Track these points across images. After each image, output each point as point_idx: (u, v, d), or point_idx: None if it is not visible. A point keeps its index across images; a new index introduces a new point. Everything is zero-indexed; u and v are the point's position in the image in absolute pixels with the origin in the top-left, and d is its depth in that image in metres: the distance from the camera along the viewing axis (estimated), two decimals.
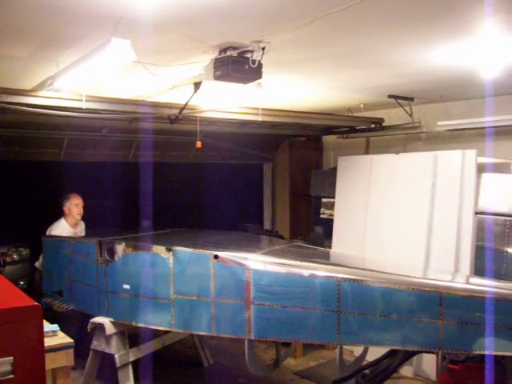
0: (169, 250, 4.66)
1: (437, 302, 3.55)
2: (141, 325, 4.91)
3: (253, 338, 4.22)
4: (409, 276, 3.85)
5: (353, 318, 3.83)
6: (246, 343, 4.41)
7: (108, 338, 5.12)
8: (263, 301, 4.14)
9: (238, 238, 5.90)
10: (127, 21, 3.24)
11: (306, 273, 4.02)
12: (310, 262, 4.30)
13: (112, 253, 5.14)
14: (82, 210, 6.37)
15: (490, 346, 3.44)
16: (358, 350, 6.52)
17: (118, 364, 5.12)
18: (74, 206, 6.31)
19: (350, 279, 3.84)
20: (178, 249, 4.63)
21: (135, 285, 4.91)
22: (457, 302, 3.53)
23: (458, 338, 3.55)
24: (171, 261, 4.63)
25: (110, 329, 5.10)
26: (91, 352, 5.30)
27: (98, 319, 5.17)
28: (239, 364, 6.46)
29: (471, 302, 3.48)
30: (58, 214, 6.31)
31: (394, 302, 3.71)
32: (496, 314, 3.39)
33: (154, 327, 4.93)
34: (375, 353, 5.92)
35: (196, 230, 6.43)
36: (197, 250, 4.56)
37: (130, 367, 5.23)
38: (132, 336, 5.42)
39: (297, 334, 4.12)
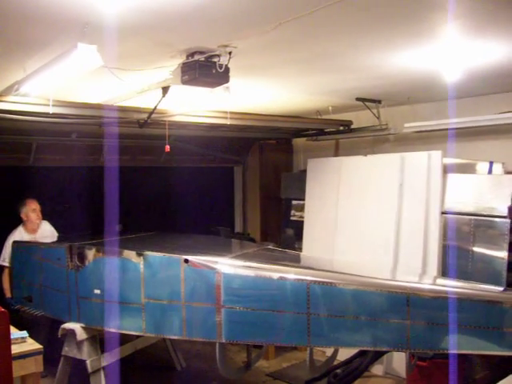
0: (139, 254, 4.65)
1: (404, 302, 3.61)
2: (112, 330, 4.89)
3: (224, 341, 4.24)
4: (377, 278, 3.91)
5: (322, 320, 3.87)
6: (218, 346, 4.43)
7: (79, 344, 5.08)
8: (233, 304, 4.16)
9: (208, 242, 5.92)
10: (93, 26, 3.24)
11: (275, 276, 4.05)
12: (279, 265, 4.34)
13: (82, 258, 5.11)
14: (40, 215, 6.29)
15: (454, 345, 3.50)
16: (329, 351, 6.59)
17: (89, 370, 5.07)
18: (32, 211, 6.22)
19: (319, 282, 3.87)
20: (149, 253, 4.62)
21: (106, 290, 4.88)
22: (423, 302, 3.59)
23: (425, 337, 3.61)
24: (142, 265, 4.62)
25: (81, 334, 5.06)
26: (62, 358, 5.25)
27: (68, 325, 5.13)
28: (212, 367, 6.46)
29: (437, 302, 3.55)
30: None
31: (362, 304, 3.76)
32: (461, 313, 3.47)
33: (126, 332, 4.90)
34: (347, 352, 6.00)
35: (166, 234, 6.42)
36: (167, 255, 4.56)
37: (102, 373, 5.20)
38: (104, 341, 5.41)
39: (267, 336, 4.16)
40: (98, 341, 5.25)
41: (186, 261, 4.39)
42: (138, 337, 6.10)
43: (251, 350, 5.25)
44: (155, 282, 4.59)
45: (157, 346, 6.37)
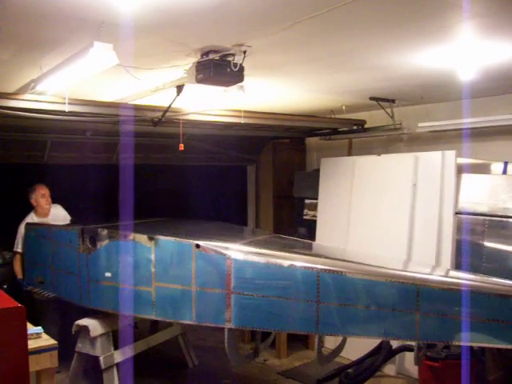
0: (151, 238, 4.67)
1: (415, 293, 3.60)
2: (122, 313, 4.92)
3: (233, 327, 4.25)
4: (388, 268, 3.90)
5: (332, 309, 3.87)
6: (226, 332, 4.42)
7: (92, 340, 5.13)
8: (244, 290, 4.16)
9: (221, 228, 5.94)
10: (109, 24, 3.27)
11: (286, 263, 4.05)
12: (290, 252, 4.35)
13: (94, 241, 5.13)
14: (49, 200, 6.35)
15: (466, 338, 3.51)
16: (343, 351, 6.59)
17: (102, 366, 5.13)
18: (41, 196, 6.28)
19: (329, 270, 3.87)
20: (160, 238, 4.64)
21: (117, 273, 4.91)
22: (434, 294, 3.59)
23: (435, 328, 3.61)
24: (153, 249, 4.64)
25: (94, 331, 5.11)
26: (75, 354, 5.30)
27: (82, 321, 5.18)
28: (224, 365, 6.48)
29: (448, 293, 3.54)
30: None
31: (372, 294, 3.76)
32: (472, 305, 3.46)
33: (136, 315, 4.92)
34: (358, 352, 5.99)
35: (178, 220, 6.43)
36: (179, 239, 4.58)
37: (115, 369, 5.24)
38: (117, 337, 5.45)
39: (276, 323, 4.16)
40: (112, 337, 5.29)
41: (198, 246, 4.40)
42: (150, 334, 6.17)
43: (259, 336, 5.25)
44: (166, 267, 4.61)
45: (169, 344, 6.40)
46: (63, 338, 4.76)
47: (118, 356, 5.30)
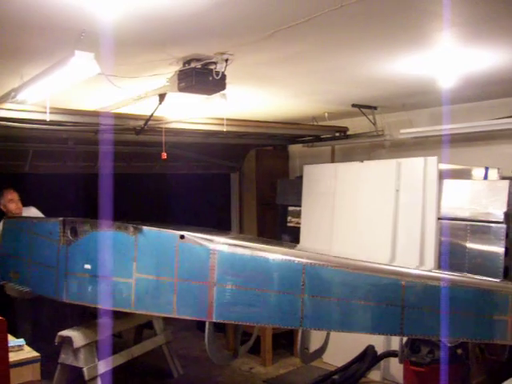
0: (135, 228, 4.60)
1: (399, 287, 3.62)
2: (99, 306, 4.82)
3: (215, 320, 4.19)
4: (372, 263, 3.93)
5: (316, 303, 3.87)
6: (207, 326, 4.35)
7: (76, 351, 5.08)
8: (227, 283, 4.12)
9: (207, 229, 5.89)
10: (91, 33, 3.27)
11: (271, 256, 4.04)
12: (275, 246, 4.34)
13: (75, 232, 5.02)
14: (19, 204, 6.19)
15: (448, 332, 3.56)
16: (328, 358, 6.60)
17: (86, 377, 5.08)
18: (9, 201, 6.14)
19: (314, 263, 3.88)
20: (145, 228, 4.58)
21: (97, 265, 4.80)
22: (417, 288, 3.62)
23: (419, 323, 3.63)
24: (136, 240, 4.57)
25: (77, 341, 5.06)
26: (59, 366, 5.24)
27: (65, 332, 5.12)
28: (209, 374, 6.47)
29: (431, 288, 3.58)
30: None
31: (357, 288, 3.77)
32: (455, 300, 3.52)
33: (113, 308, 4.84)
34: (343, 358, 6.01)
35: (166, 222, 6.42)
36: (163, 230, 4.53)
37: (99, 380, 5.20)
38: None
39: (260, 317, 4.11)
40: (95, 348, 5.25)
41: (182, 237, 4.35)
42: (135, 343, 6.13)
43: (239, 336, 5.21)
44: (148, 258, 4.55)
45: (153, 353, 6.36)
46: (36, 333, 4.70)
47: (102, 367, 5.26)
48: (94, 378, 5.15)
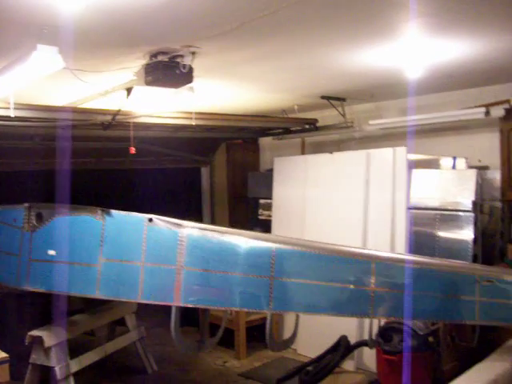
0: (103, 211, 4.51)
1: (369, 269, 3.66)
2: (63, 292, 4.72)
3: (182, 304, 4.12)
4: (343, 246, 3.98)
5: (286, 285, 3.86)
6: (174, 310, 4.26)
7: (47, 351, 5.00)
8: (196, 266, 4.07)
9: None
10: (53, 27, 3.20)
11: (240, 239, 4.02)
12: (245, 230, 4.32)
13: (41, 217, 4.89)
14: None
15: (417, 313, 3.64)
16: (302, 350, 6.63)
17: (58, 376, 5.00)
18: None
19: (284, 246, 3.89)
20: (113, 211, 4.50)
21: (61, 250, 4.69)
22: (388, 269, 3.68)
23: (388, 304, 3.69)
24: (103, 223, 4.48)
25: (48, 341, 4.99)
26: (30, 366, 5.15)
27: (35, 332, 5.04)
28: (183, 369, 6.45)
29: (400, 269, 3.64)
30: None
31: (326, 270, 3.79)
32: (424, 281, 3.60)
33: (77, 295, 4.73)
34: (317, 349, 6.04)
35: None
36: (131, 213, 4.46)
37: (72, 379, 5.14)
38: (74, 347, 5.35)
39: (228, 300, 4.07)
40: (67, 347, 5.18)
41: (150, 220, 4.30)
42: (108, 341, 6.07)
43: (204, 328, 5.19)
44: (115, 242, 4.47)
45: (127, 351, 6.32)
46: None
47: (75, 365, 5.20)
48: (67, 377, 5.08)
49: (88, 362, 5.45)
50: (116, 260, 4.41)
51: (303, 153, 8.12)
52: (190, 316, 6.80)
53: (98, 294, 4.48)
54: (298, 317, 5.09)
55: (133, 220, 4.43)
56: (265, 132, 8.26)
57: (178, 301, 4.10)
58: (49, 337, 5.00)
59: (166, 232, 4.24)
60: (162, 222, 4.27)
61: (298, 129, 7.84)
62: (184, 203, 9.18)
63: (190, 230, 4.17)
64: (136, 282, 4.27)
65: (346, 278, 3.74)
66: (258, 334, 7.14)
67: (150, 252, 4.26)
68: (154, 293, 4.26)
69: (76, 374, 5.23)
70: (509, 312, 3.51)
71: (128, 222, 4.46)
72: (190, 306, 4.19)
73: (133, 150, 5.64)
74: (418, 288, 3.59)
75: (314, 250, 3.85)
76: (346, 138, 7.62)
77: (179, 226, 4.21)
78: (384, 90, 6.37)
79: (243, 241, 4.02)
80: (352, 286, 3.71)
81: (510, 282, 3.51)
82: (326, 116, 7.44)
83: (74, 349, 5.42)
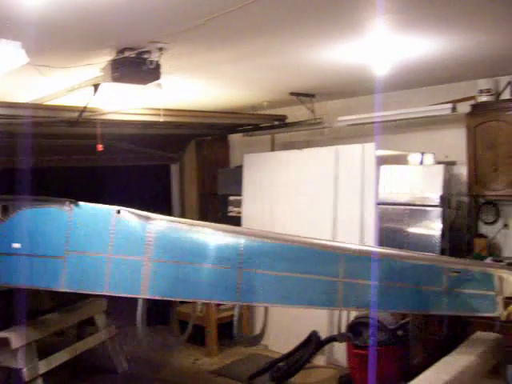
0: (71, 202, 4.45)
1: (336, 260, 3.70)
2: (28, 286, 4.62)
3: (149, 296, 4.08)
4: (310, 238, 4.00)
5: (254, 277, 3.86)
6: (140, 303, 4.22)
7: (14, 352, 4.92)
8: (164, 258, 4.05)
9: None
10: (17, 21, 3.13)
11: (209, 231, 4.03)
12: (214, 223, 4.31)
13: (6, 210, 4.79)
14: None
15: (386, 304, 3.71)
16: (273, 346, 6.65)
17: (26, 378, 4.92)
18: None
19: (253, 238, 3.91)
20: (81, 203, 4.45)
21: (27, 243, 4.58)
22: (356, 261, 3.73)
23: (358, 296, 3.72)
24: (70, 215, 4.42)
25: (16, 342, 4.90)
26: None
27: (2, 334, 4.95)
28: (154, 368, 6.41)
29: (369, 261, 3.67)
30: None
31: (295, 261, 3.81)
32: (392, 272, 3.66)
33: (42, 288, 4.64)
34: (288, 345, 6.06)
35: None
36: (99, 205, 4.43)
37: (41, 380, 5.06)
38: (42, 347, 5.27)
39: (196, 292, 4.05)
40: (35, 348, 5.10)
41: (119, 212, 4.27)
42: (77, 340, 5.99)
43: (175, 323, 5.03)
44: (82, 234, 4.40)
45: (97, 350, 6.26)
46: None
47: (43, 366, 5.12)
48: (35, 379, 5.01)
49: (57, 362, 5.39)
50: (82, 252, 4.34)
51: (273, 149, 8.12)
52: (160, 314, 6.77)
53: (64, 287, 4.39)
54: (266, 312, 5.10)
55: (101, 212, 4.39)
56: (234, 129, 8.24)
57: (145, 293, 4.06)
58: (16, 338, 4.92)
59: (135, 224, 4.21)
60: (130, 214, 4.24)
61: (268, 125, 7.84)
62: (154, 200, 9.10)
63: (158, 222, 4.15)
64: (102, 274, 4.20)
65: (315, 269, 3.76)
66: (229, 331, 7.12)
67: (118, 244, 4.21)
68: (121, 285, 4.19)
69: (45, 375, 5.17)
70: (476, 302, 3.57)
71: (96, 214, 4.41)
72: (158, 297, 4.15)
73: (100, 148, 5.56)
74: (386, 279, 3.63)
75: (283, 242, 3.87)
76: (315, 134, 7.64)
77: (147, 218, 4.19)
78: (353, 87, 6.40)
79: (212, 233, 4.02)
80: (321, 277, 3.73)
81: (476, 273, 3.58)
82: (296, 112, 7.44)
83: (43, 349, 5.35)
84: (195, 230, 4.08)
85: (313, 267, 3.77)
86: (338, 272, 3.68)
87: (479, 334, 4.10)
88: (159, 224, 4.14)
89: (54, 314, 5.76)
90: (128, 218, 4.24)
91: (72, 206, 4.45)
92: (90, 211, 4.44)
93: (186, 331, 5.23)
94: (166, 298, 4.24)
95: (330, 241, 4.08)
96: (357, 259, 3.74)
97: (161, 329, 6.91)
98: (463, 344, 3.89)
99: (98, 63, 4.19)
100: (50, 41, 3.63)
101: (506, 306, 3.53)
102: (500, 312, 3.51)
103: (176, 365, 6.54)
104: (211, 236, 4.01)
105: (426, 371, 3.46)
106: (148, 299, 4.10)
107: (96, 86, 4.53)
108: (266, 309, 5.18)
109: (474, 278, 3.57)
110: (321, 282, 3.74)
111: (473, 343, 3.89)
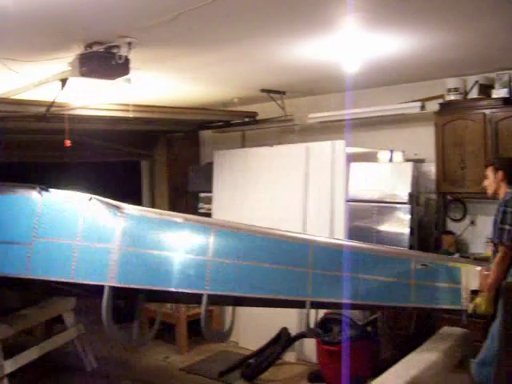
0: (41, 189, 4.35)
1: (306, 251, 3.73)
2: None
3: (115, 284, 3.99)
4: (280, 230, 4.06)
5: (224, 266, 3.85)
6: (106, 290, 4.04)
7: None
8: (132, 246, 4.01)
9: None
10: None
11: (179, 220, 4.04)
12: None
13: None
14: None
15: (356, 296, 3.71)
16: (244, 343, 6.65)
17: None
18: None
19: (224, 228, 3.95)
20: (51, 190, 4.37)
21: None
22: (325, 252, 3.77)
23: (325, 286, 3.74)
24: (40, 202, 4.32)
25: None
26: None
27: None
28: (124, 367, 6.36)
29: (338, 253, 3.74)
30: None
31: (265, 251, 3.83)
32: (361, 265, 3.69)
33: (8, 275, 4.41)
34: (258, 342, 6.07)
35: None
36: (71, 192, 4.37)
37: (6, 380, 4.98)
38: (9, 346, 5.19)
39: (164, 281, 3.96)
40: (1, 347, 5.02)
41: (90, 199, 4.22)
42: (45, 339, 5.91)
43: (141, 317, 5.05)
44: (51, 220, 4.30)
45: (66, 349, 6.18)
46: None
47: (9, 366, 5.04)
48: (1, 379, 4.92)
49: (24, 361, 5.30)
50: (49, 238, 4.25)
51: (244, 146, 8.11)
52: (129, 312, 6.70)
53: (30, 274, 4.26)
54: (234, 308, 5.08)
55: (71, 199, 4.33)
56: (205, 125, 8.21)
57: (112, 280, 3.98)
58: None
59: (105, 212, 4.17)
60: (100, 203, 4.21)
61: (239, 122, 7.83)
62: (123, 197, 9.01)
63: (128, 211, 4.14)
64: (69, 261, 4.11)
65: (284, 259, 3.78)
66: (199, 327, 7.11)
67: (87, 231, 4.14)
68: (88, 272, 4.10)
69: (12, 375, 5.09)
70: (443, 295, 3.63)
71: (66, 201, 4.34)
72: (125, 286, 4.06)
73: (68, 143, 5.49)
74: (354, 271, 3.65)
75: (252, 232, 3.90)
76: (285, 131, 7.66)
77: (118, 207, 4.17)
78: (323, 84, 6.43)
79: (181, 222, 4.02)
80: (290, 268, 3.75)
81: (443, 266, 3.66)
82: (267, 109, 7.45)
83: (10, 348, 5.26)
84: (165, 220, 4.08)
85: (282, 258, 3.79)
86: (307, 263, 3.70)
87: (446, 328, 4.17)
88: (129, 212, 4.12)
89: (21, 312, 5.66)
90: (98, 205, 4.19)
91: (43, 192, 4.37)
92: (61, 198, 4.36)
93: (153, 327, 5.16)
94: (133, 287, 4.18)
95: (298, 233, 4.09)
96: (325, 250, 3.78)
97: (129, 326, 6.84)
98: (431, 339, 3.94)
99: (66, 57, 4.12)
100: (16, 34, 3.56)
101: (471, 299, 3.61)
102: (466, 305, 3.58)
103: (146, 362, 6.50)
104: (180, 225, 4.01)
105: (395, 366, 3.50)
106: (115, 296, 4.03)
107: (64, 81, 4.47)
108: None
109: (440, 271, 3.64)
110: (290, 272, 3.76)
111: (440, 338, 3.95)
